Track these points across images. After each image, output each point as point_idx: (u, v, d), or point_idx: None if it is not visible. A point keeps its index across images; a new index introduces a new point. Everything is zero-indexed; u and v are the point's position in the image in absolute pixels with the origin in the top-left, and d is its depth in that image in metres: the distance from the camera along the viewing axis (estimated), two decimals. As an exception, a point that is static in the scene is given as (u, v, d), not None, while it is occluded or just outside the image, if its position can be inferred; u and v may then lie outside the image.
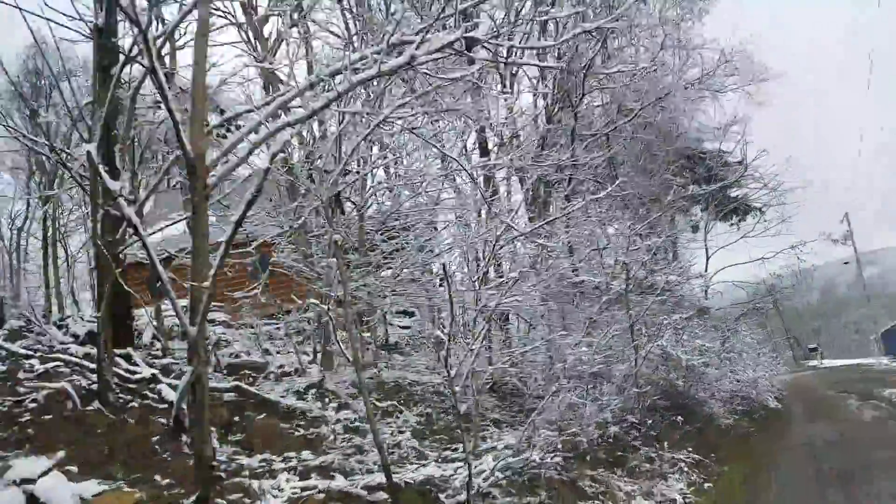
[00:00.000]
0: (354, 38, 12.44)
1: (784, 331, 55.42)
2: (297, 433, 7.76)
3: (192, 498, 4.84)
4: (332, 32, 14.98)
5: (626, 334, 10.80)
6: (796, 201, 20.06)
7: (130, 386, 7.43)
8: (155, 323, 10.15)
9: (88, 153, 5.68)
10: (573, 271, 13.32)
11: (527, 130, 15.93)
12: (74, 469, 5.20)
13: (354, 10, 13.74)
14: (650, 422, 10.01)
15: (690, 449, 10.37)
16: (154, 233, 9.41)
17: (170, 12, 8.40)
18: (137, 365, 7.99)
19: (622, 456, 9.65)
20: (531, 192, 14.59)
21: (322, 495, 5.64)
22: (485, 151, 14.68)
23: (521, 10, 14.83)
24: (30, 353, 7.72)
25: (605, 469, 8.70)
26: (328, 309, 7.28)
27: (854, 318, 57.53)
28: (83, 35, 7.64)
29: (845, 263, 38.62)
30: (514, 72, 15.72)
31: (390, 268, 11.56)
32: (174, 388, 6.95)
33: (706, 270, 21.09)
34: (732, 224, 22.97)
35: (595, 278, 13.21)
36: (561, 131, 15.49)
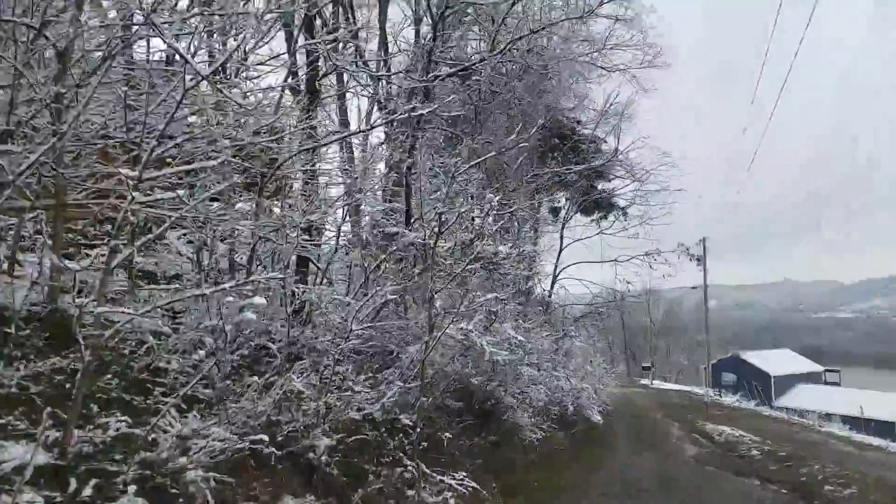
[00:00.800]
0: None
1: (624, 344, 56.11)
2: None
3: None
4: None
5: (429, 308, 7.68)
6: (665, 206, 18.10)
7: None
8: None
9: None
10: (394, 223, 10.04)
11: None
12: None
13: None
14: (420, 428, 6.77)
15: (470, 470, 7.34)
16: None
17: None
18: None
19: (364, 470, 6.38)
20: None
21: None
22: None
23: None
24: None
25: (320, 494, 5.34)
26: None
27: (688, 345, 59.61)
28: None
29: (693, 288, 38.60)
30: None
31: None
32: None
33: (557, 261, 18.76)
34: (593, 220, 20.81)
35: (411, 232, 9.95)
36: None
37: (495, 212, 10.40)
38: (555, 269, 18.73)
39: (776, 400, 43.64)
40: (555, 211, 20.04)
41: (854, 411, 38.99)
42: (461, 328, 7.45)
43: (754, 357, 47.94)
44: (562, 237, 19.17)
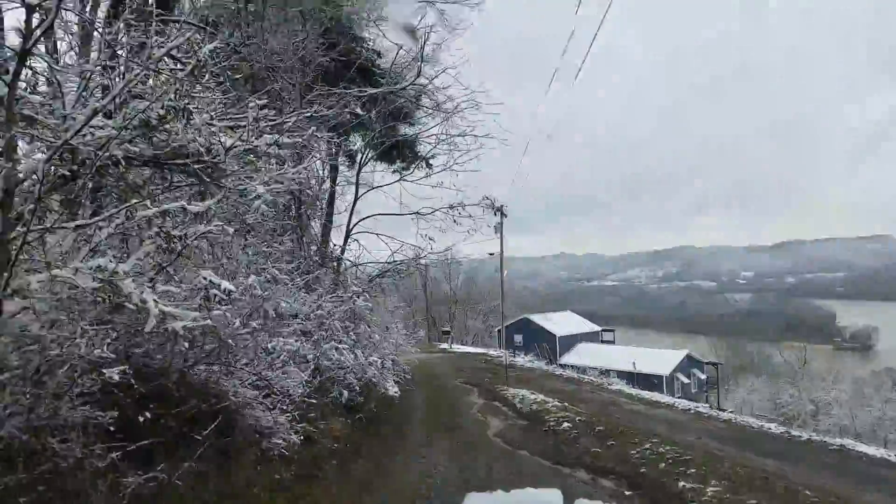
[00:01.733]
0: None
1: (426, 310, 54.99)
2: None
3: None
4: None
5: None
6: (472, 152, 15.50)
7: None
8: None
9: None
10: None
11: None
12: None
13: None
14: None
15: None
16: None
17: None
18: None
19: None
20: None
21: None
22: None
23: None
24: None
25: None
26: None
27: (483, 311, 60.53)
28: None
29: (490, 255, 37.91)
30: None
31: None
32: None
33: (351, 212, 15.48)
34: (395, 171, 17.71)
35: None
36: None
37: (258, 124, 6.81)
38: (349, 222, 15.42)
39: (561, 358, 45.27)
40: (351, 157, 16.66)
41: (627, 366, 41.54)
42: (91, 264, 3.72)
43: (541, 319, 49.46)
44: (357, 185, 15.86)
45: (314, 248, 13.00)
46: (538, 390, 18.99)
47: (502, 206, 13.39)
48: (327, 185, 15.63)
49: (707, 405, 28.32)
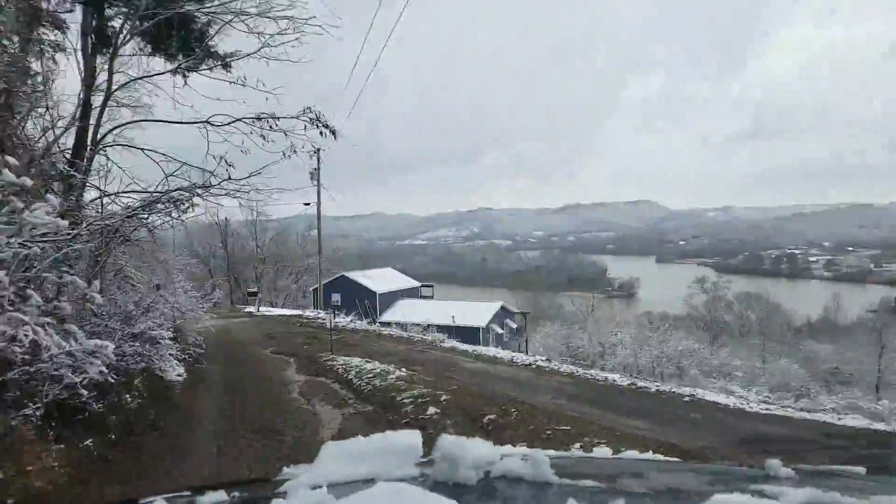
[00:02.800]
0: None
1: (227, 268, 48.25)
2: None
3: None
4: None
5: None
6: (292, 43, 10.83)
7: None
8: None
9: None
10: None
11: None
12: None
13: None
14: None
15: None
16: None
17: None
18: None
19: None
20: None
21: None
22: None
23: None
24: None
25: None
26: None
27: (296, 270, 55.00)
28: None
29: (306, 205, 33.05)
30: None
31: None
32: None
33: (100, 116, 10.11)
34: (178, 69, 12.21)
35: None
36: None
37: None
38: (95, 130, 10.04)
39: (382, 315, 42.17)
40: (104, 37, 10.97)
41: (446, 320, 39.67)
42: None
43: (360, 276, 45.79)
44: (111, 74, 10.40)
45: (27, 158, 7.73)
46: (370, 356, 15.35)
47: (330, 127, 9.24)
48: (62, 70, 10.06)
49: (524, 353, 27.11)
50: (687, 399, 12.04)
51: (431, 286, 51.77)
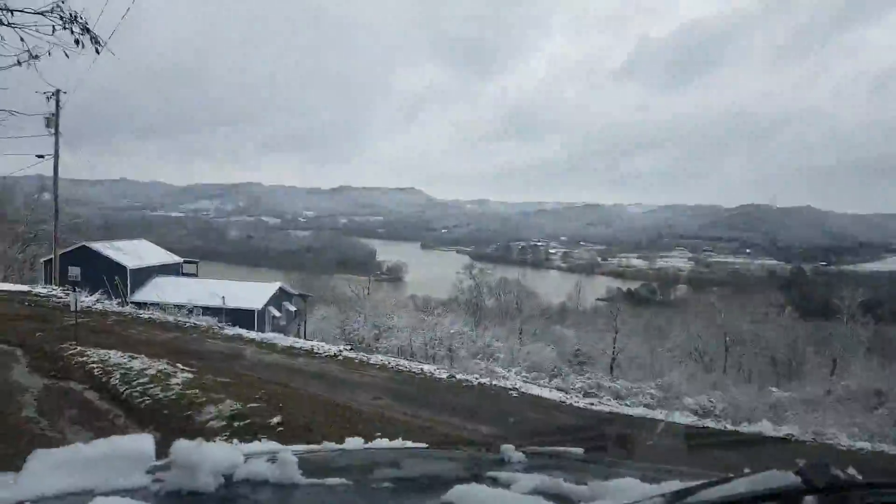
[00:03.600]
0: None
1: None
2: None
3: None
4: None
5: None
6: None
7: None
8: None
9: None
10: None
11: None
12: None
13: None
14: None
15: None
16: None
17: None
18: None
19: None
20: None
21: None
22: None
23: None
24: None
25: None
26: None
27: (24, 236, 44.56)
28: None
29: (39, 157, 26.41)
30: None
31: None
32: None
33: None
34: None
35: None
36: None
37: None
38: None
39: (134, 294, 36.24)
40: None
41: (215, 301, 35.62)
42: None
43: (107, 248, 38.79)
44: None
45: None
46: (132, 348, 12.32)
47: (92, 33, 6.57)
48: None
49: (302, 338, 25.26)
50: (513, 394, 11.70)
51: (196, 262, 46.19)
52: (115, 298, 30.40)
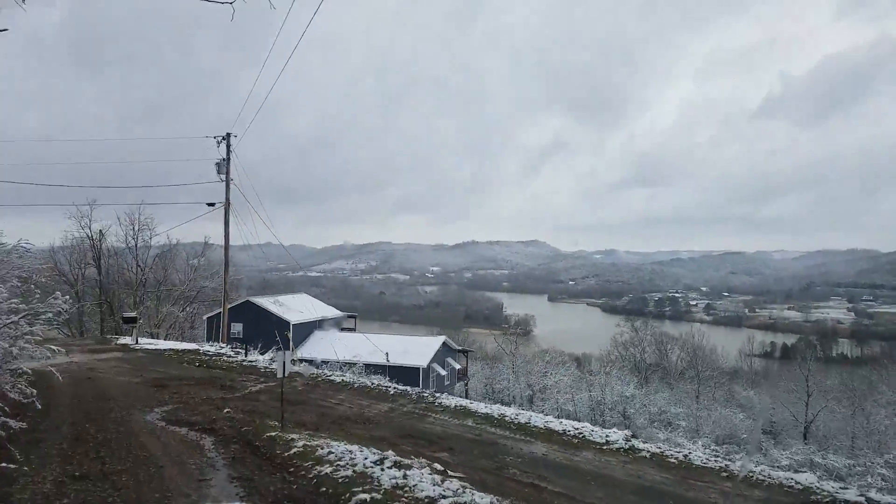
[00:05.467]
0: None
1: (99, 293, 37.73)
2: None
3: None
4: None
5: None
6: None
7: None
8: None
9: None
10: None
11: None
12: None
13: None
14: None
15: None
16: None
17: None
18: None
19: None
20: None
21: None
22: None
23: None
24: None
25: None
26: None
27: (181, 296, 44.88)
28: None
29: (210, 205, 24.65)
30: None
31: None
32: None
33: None
34: None
35: None
36: None
37: None
38: None
39: (297, 349, 33.78)
40: None
41: (378, 358, 32.20)
42: None
43: (269, 303, 37.09)
44: None
45: None
46: (347, 429, 8.11)
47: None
48: None
49: (466, 399, 20.32)
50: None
51: (355, 317, 43.80)
52: (262, 353, 27.65)
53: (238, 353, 22.59)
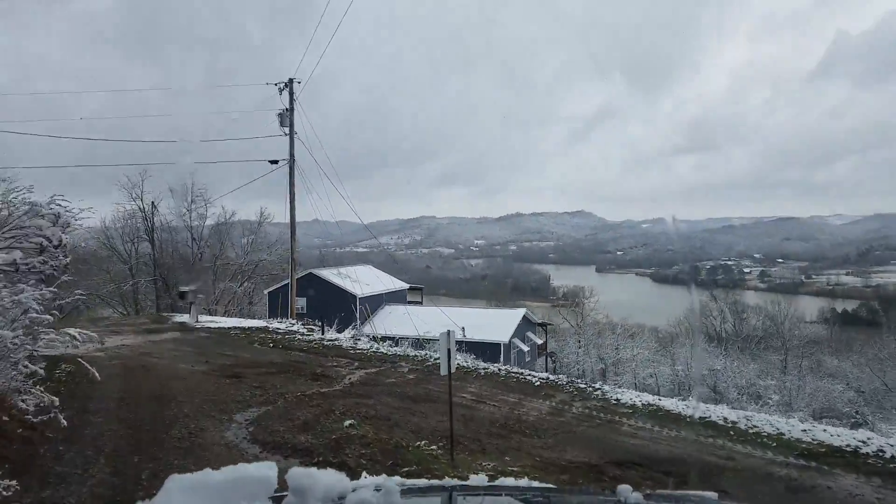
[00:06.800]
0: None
1: (153, 268, 35.28)
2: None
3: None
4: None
5: None
6: None
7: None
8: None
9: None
10: None
11: None
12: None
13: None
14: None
15: None
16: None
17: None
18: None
19: None
20: None
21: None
22: None
23: None
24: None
25: None
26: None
27: (237, 269, 42.34)
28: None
29: (272, 162, 21.28)
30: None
31: None
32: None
33: None
34: None
35: None
36: None
37: None
38: None
39: (364, 326, 30.61)
40: None
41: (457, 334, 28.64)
42: None
43: (334, 276, 33.94)
44: None
45: None
46: (557, 461, 4.28)
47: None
48: None
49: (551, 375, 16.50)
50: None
51: (421, 289, 40.46)
52: (350, 330, 24.41)
53: (312, 330, 19.35)
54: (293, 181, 20.88)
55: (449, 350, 5.51)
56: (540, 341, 34.72)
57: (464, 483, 1.89)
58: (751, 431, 7.54)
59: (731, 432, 7.47)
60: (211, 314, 30.17)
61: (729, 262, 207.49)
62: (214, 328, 17.89)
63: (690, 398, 13.66)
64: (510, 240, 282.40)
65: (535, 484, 2.08)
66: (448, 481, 2.03)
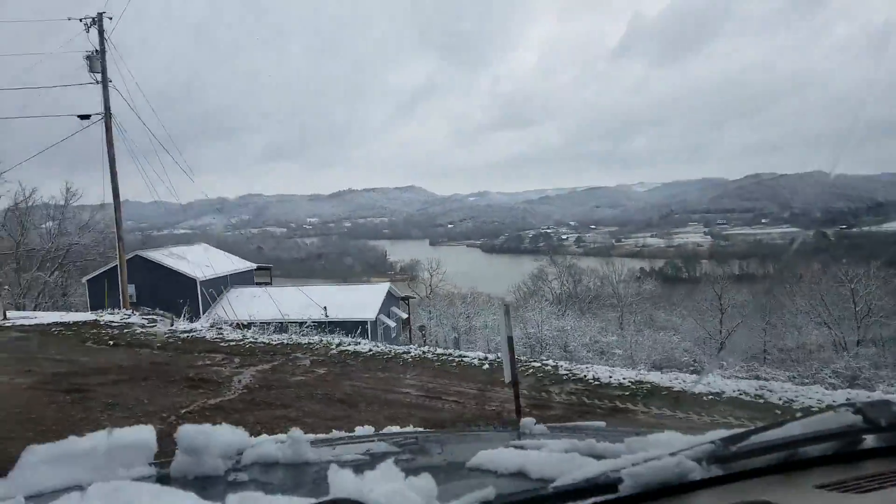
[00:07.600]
0: None
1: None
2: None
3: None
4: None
5: None
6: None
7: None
8: None
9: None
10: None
11: None
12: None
13: None
14: None
15: None
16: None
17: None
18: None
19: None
20: None
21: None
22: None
23: None
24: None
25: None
26: None
27: (55, 255, 34.79)
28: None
29: (82, 118, 16.94)
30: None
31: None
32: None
33: None
34: None
35: None
36: None
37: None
38: None
39: (208, 311, 26.80)
40: None
41: (314, 313, 26.42)
42: None
43: (166, 257, 29.24)
44: None
45: None
46: None
47: None
48: None
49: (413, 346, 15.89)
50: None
51: (269, 268, 36.72)
52: (183, 317, 20.82)
53: (154, 321, 15.87)
54: (111, 139, 16.87)
55: (510, 339, 3.68)
56: (405, 315, 33.49)
57: (381, 432, 1.76)
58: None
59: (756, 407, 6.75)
60: (19, 309, 24.29)
61: (548, 231, 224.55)
62: (30, 325, 13.81)
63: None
64: (344, 217, 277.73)
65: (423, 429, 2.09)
66: (360, 430, 1.73)
